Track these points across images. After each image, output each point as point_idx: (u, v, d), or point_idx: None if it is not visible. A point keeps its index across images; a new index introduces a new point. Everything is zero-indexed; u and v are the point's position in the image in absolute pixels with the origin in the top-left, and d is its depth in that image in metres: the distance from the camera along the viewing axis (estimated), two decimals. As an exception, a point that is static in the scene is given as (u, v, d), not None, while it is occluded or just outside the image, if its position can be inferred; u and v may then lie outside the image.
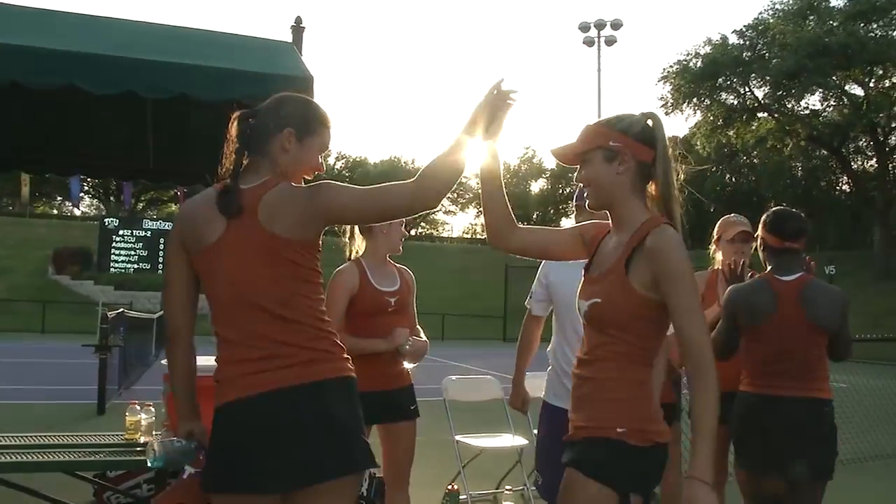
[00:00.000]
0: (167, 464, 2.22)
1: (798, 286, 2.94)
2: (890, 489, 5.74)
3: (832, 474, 2.92)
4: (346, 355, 2.01)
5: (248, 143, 2.02)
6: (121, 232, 29.77)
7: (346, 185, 2.00)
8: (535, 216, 59.88)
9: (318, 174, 2.11)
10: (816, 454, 2.87)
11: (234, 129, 2.04)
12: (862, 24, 30.74)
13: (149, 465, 2.24)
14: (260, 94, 2.78)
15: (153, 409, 3.98)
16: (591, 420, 1.95)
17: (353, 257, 3.33)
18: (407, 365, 3.33)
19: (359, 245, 3.34)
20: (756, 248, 3.22)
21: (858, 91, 33.79)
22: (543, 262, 3.15)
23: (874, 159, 36.02)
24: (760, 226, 3.13)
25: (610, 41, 28.20)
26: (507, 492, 4.16)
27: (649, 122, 2.04)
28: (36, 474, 3.77)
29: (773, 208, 3.20)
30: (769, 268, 3.05)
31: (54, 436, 4.01)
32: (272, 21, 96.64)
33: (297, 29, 3.90)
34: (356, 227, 3.30)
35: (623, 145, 1.98)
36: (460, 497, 4.44)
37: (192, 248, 1.98)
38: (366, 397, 2.08)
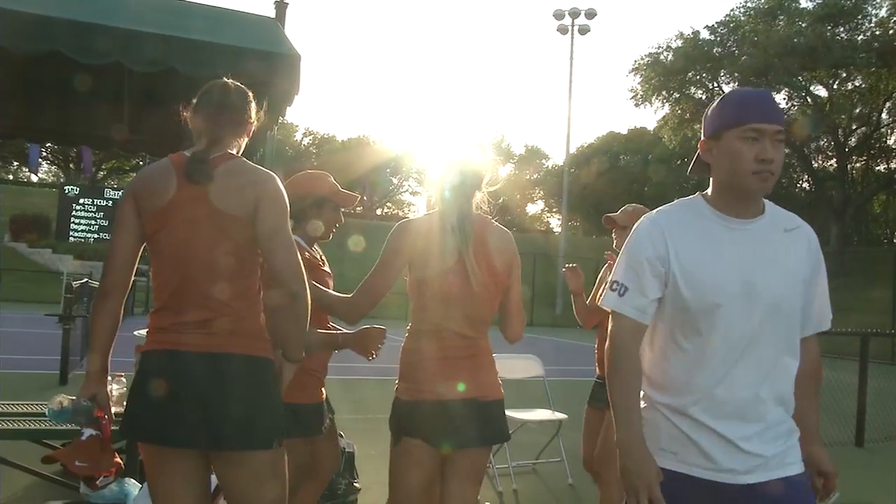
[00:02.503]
0: (67, 420, 2.30)
1: None
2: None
3: None
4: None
5: (221, 115, 2.15)
6: (81, 200, 29.17)
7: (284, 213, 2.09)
8: (501, 200, 59.73)
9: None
10: None
11: (211, 98, 2.15)
12: (829, 27, 31.34)
13: (47, 414, 2.31)
14: (248, 70, 2.81)
15: (124, 380, 3.98)
16: None
17: None
18: None
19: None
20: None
21: (822, 92, 34.52)
22: (652, 233, 1.88)
23: (834, 159, 36.86)
24: None
25: (584, 30, 28.33)
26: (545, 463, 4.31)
27: None
28: (2, 442, 3.75)
29: None
30: None
31: (22, 404, 3.99)
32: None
33: (281, 5, 3.88)
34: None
35: None
36: (496, 466, 4.70)
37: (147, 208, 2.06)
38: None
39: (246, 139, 2.21)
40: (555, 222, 60.91)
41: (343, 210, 2.88)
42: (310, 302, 2.07)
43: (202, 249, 2.00)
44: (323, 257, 2.94)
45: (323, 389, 2.90)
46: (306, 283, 2.05)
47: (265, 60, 2.80)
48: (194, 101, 2.17)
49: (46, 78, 3.89)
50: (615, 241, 3.57)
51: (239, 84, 2.21)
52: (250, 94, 2.21)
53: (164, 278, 2.04)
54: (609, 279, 1.91)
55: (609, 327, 1.89)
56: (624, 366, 1.85)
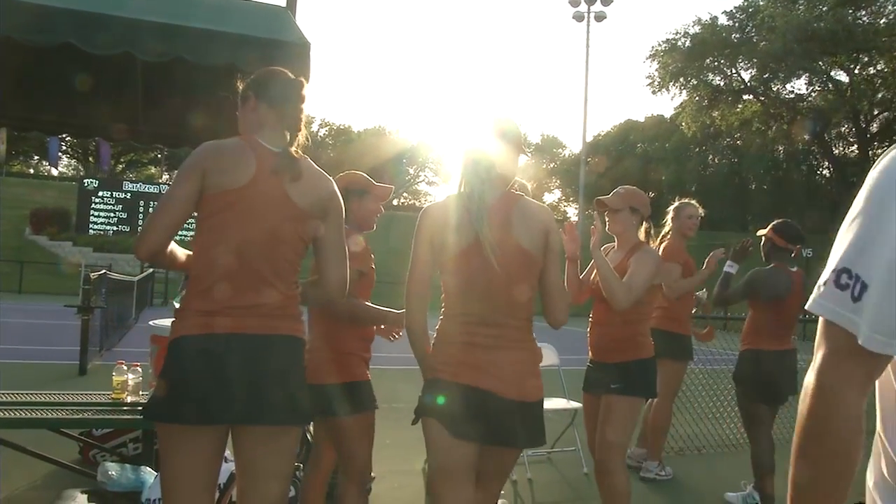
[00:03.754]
0: None
1: (800, 275, 4.29)
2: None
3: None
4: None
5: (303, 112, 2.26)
6: (100, 193, 29.43)
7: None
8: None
9: None
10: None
11: (305, 100, 2.23)
12: (850, 11, 30.86)
13: None
14: (256, 59, 2.80)
15: (140, 370, 4.01)
16: None
17: None
18: None
19: None
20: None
21: (843, 77, 34.04)
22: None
23: (855, 146, 36.37)
24: (770, 229, 4.31)
25: (600, 17, 28.06)
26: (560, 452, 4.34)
27: None
28: (21, 430, 3.80)
29: (783, 220, 4.41)
30: (772, 260, 4.27)
31: (41, 394, 4.03)
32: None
33: (291, -7, 3.87)
34: None
35: None
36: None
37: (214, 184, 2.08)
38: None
39: (304, 132, 2.27)
40: (571, 212, 60.66)
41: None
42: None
43: (270, 238, 2.08)
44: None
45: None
46: (345, 283, 2.24)
47: (274, 49, 2.78)
48: (250, 86, 2.22)
49: (58, 70, 3.89)
50: (607, 226, 3.46)
51: (297, 77, 2.26)
52: (305, 83, 2.27)
53: (219, 259, 2.04)
54: (828, 262, 1.05)
55: (820, 354, 1.00)
56: (834, 428, 0.98)
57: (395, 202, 62.94)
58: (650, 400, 4.10)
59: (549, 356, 5.43)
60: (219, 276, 2.04)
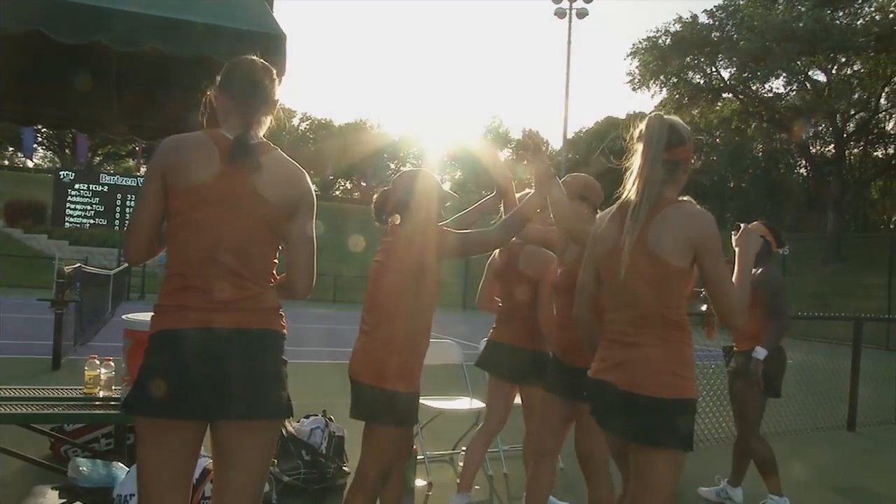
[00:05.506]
0: None
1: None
2: (828, 459, 6.01)
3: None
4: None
5: (255, 97, 2.17)
6: (77, 186, 29.08)
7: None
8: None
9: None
10: None
11: (275, 88, 2.20)
12: (829, 12, 31.16)
13: None
14: (230, 50, 2.76)
15: (113, 364, 3.97)
16: None
17: None
18: None
19: None
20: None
21: (821, 77, 34.39)
22: None
23: (832, 145, 36.77)
24: (769, 231, 4.39)
25: (581, 13, 28.08)
26: (462, 453, 4.28)
27: None
28: (-9, 426, 3.74)
29: (771, 224, 4.52)
30: (765, 262, 4.32)
31: (11, 388, 3.97)
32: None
33: (268, -16, 3.82)
34: None
35: None
36: (418, 456, 4.55)
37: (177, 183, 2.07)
38: None
39: (271, 118, 2.23)
40: (552, 208, 60.65)
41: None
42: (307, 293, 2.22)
43: (238, 233, 2.05)
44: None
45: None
46: (310, 289, 2.21)
47: (249, 40, 2.74)
48: (219, 78, 2.19)
49: (29, 59, 3.83)
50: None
51: (265, 62, 2.21)
52: (275, 71, 2.23)
53: (191, 256, 2.05)
54: None
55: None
56: None
57: (375, 197, 62.68)
58: None
59: (454, 355, 5.34)
60: (190, 272, 2.04)
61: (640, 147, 2.35)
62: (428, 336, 2.93)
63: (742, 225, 2.69)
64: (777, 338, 4.29)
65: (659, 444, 2.25)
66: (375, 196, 3.06)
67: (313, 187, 2.22)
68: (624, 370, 2.29)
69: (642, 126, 2.37)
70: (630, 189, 2.38)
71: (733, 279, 2.37)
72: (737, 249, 2.57)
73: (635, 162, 2.37)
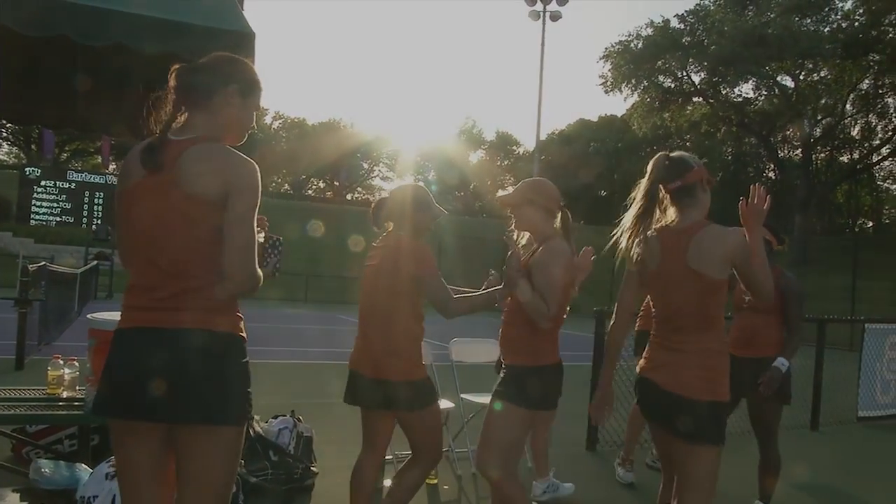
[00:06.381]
0: None
1: None
2: (792, 458, 6.11)
3: None
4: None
5: (188, 96, 2.06)
6: (43, 183, 28.56)
7: (254, 210, 2.02)
8: (472, 186, 60.16)
9: (252, 134, 2.23)
10: None
11: (173, 80, 2.07)
12: (797, 18, 31.72)
13: None
14: (198, 47, 2.74)
15: (77, 364, 3.91)
16: None
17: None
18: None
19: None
20: None
21: (789, 83, 35.00)
22: None
23: (799, 150, 37.43)
24: (766, 229, 4.13)
25: (555, 16, 28.25)
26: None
27: None
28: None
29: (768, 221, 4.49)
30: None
31: (-30, 389, 3.89)
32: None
33: (239, -18, 3.79)
34: None
35: None
36: (386, 456, 4.54)
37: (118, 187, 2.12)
38: None
39: (236, 116, 2.11)
40: (525, 209, 60.98)
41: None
42: (243, 289, 2.03)
43: (166, 235, 2.00)
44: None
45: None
46: (251, 279, 2.01)
47: (216, 38, 2.72)
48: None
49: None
50: (514, 224, 3.18)
51: (209, 61, 2.12)
52: (229, 68, 2.12)
53: (131, 259, 2.09)
54: None
55: None
56: None
57: (348, 197, 62.57)
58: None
59: (497, 351, 5.44)
60: (132, 271, 2.09)
61: (646, 182, 2.73)
62: (421, 323, 3.24)
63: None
64: (797, 347, 4.24)
65: (695, 441, 2.57)
66: (374, 203, 3.39)
67: (254, 173, 2.02)
68: (666, 372, 2.64)
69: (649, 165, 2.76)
70: (666, 216, 2.74)
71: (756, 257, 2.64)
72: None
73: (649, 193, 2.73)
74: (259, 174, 2.04)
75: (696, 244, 2.61)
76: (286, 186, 62.53)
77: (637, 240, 2.73)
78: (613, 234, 2.78)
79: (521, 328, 3.02)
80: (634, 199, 2.74)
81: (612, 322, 2.92)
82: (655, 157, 2.77)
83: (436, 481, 4.56)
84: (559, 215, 3.15)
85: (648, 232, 2.72)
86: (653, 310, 2.83)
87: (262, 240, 2.26)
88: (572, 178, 45.72)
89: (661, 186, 2.71)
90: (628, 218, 2.72)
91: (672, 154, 2.80)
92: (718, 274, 2.60)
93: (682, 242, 2.63)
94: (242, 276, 1.99)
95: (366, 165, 64.63)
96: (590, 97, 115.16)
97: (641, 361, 2.79)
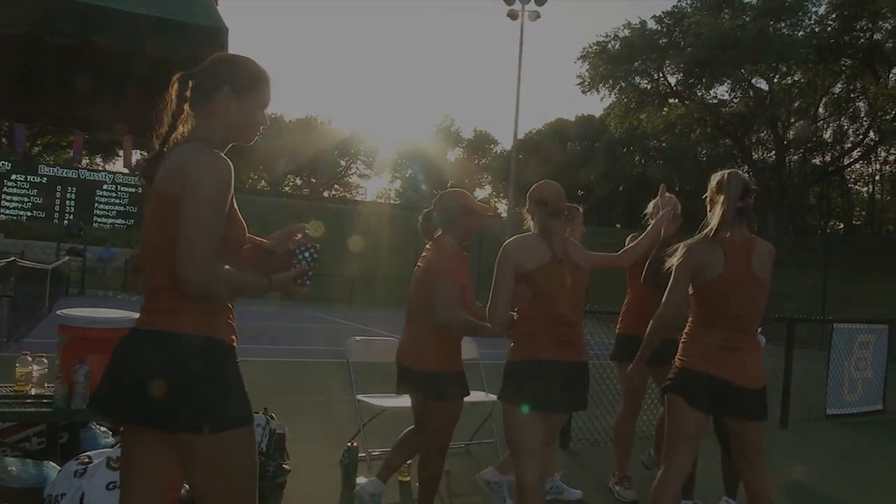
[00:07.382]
0: None
1: None
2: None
3: None
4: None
5: (189, 103, 2.07)
6: (13, 176, 28.06)
7: (204, 201, 1.92)
8: (449, 184, 59.98)
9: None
10: None
11: (174, 90, 2.07)
12: (772, 22, 32.13)
13: None
14: (170, 42, 2.72)
15: (46, 361, 3.86)
16: None
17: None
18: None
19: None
20: None
21: (763, 85, 35.44)
22: None
23: (773, 152, 37.92)
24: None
25: (533, 16, 28.34)
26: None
27: None
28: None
29: None
30: None
31: (-64, 385, 3.83)
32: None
33: (213, -24, 3.76)
34: None
35: None
36: (359, 454, 4.54)
37: None
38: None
39: (234, 116, 2.05)
40: (502, 207, 61.28)
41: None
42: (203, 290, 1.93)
43: (149, 237, 2.05)
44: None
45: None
46: (195, 273, 1.90)
47: (187, 33, 2.70)
48: None
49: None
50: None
51: (206, 65, 2.09)
52: (221, 69, 2.07)
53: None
54: None
55: None
56: None
57: (325, 194, 62.29)
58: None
59: (470, 350, 5.46)
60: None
61: (721, 197, 3.12)
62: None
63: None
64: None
65: (758, 419, 3.21)
66: (421, 216, 3.68)
67: (206, 175, 1.93)
68: (730, 369, 3.08)
69: (723, 178, 3.15)
70: (725, 227, 3.11)
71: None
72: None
73: (718, 208, 3.12)
74: (222, 170, 1.95)
75: (757, 254, 3.12)
76: (263, 183, 62.10)
77: (681, 247, 3.15)
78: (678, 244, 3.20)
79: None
80: (716, 207, 3.12)
81: (661, 312, 3.20)
82: (731, 172, 3.17)
83: (409, 479, 4.57)
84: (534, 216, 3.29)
85: (700, 242, 3.11)
86: (691, 313, 3.19)
87: (291, 247, 2.17)
88: (549, 177, 45.71)
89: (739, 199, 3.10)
90: (714, 224, 3.09)
91: (742, 174, 3.23)
92: (769, 280, 3.14)
93: (745, 252, 3.11)
94: (185, 270, 1.89)
95: (343, 163, 64.41)
96: (568, 97, 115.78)
97: (702, 361, 3.09)
